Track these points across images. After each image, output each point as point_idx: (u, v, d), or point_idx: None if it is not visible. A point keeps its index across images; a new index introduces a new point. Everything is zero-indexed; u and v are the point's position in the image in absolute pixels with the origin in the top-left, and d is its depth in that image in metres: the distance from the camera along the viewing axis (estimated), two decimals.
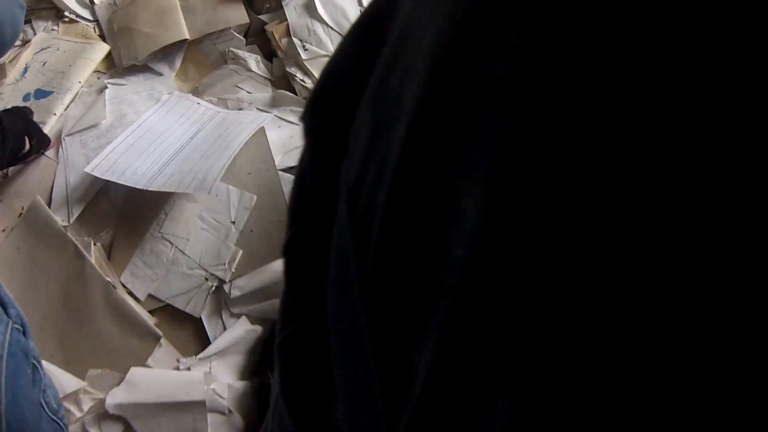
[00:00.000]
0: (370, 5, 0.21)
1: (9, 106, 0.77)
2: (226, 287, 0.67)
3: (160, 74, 0.87)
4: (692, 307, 0.11)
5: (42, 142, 0.76)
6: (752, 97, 0.10)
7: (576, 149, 0.12)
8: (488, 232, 0.13)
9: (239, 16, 0.86)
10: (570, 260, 0.12)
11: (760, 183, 0.10)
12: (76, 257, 0.69)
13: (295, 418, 0.26)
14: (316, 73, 0.79)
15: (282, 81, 0.84)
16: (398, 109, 0.16)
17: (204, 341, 0.67)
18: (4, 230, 0.74)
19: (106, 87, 0.84)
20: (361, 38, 0.21)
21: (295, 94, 0.81)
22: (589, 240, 0.12)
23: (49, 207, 0.74)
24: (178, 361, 0.65)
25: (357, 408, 0.20)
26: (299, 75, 0.81)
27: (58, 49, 0.89)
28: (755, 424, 0.11)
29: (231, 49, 0.86)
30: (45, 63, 0.88)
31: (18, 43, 0.87)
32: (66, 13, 0.93)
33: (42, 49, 0.90)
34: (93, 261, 0.69)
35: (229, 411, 0.61)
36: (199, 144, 0.74)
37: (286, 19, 0.82)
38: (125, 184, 0.70)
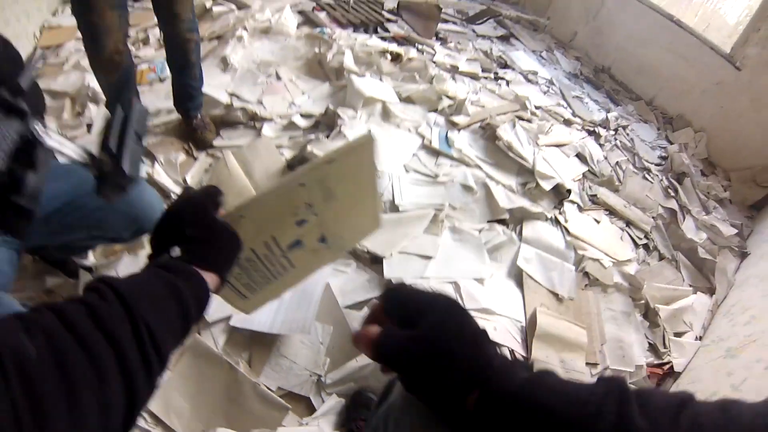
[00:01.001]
0: None
1: None
2: (323, 378, 1.24)
3: None
4: None
5: None
6: None
7: None
8: None
9: None
10: None
11: None
12: (231, 370, 1.23)
13: None
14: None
15: None
16: None
17: (312, 409, 1.21)
18: (178, 354, 1.25)
19: None
20: None
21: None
22: None
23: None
24: (299, 421, 1.18)
25: None
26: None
27: None
28: None
29: None
30: None
31: None
32: None
33: None
34: (242, 370, 1.22)
35: None
36: (294, 298, 1.35)
37: None
38: (258, 330, 1.27)
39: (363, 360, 1.26)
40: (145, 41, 2.55)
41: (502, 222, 1.79)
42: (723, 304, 1.94)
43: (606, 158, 2.51)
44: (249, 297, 0.72)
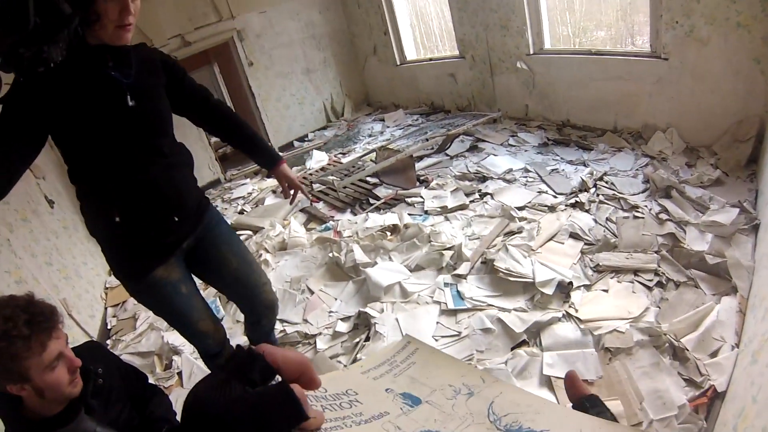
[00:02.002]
0: None
1: None
2: None
3: None
4: None
5: None
6: None
7: None
8: None
9: None
10: None
11: None
12: None
13: None
14: None
15: None
16: None
17: None
18: None
19: None
20: None
21: None
22: None
23: None
24: None
25: None
26: None
27: None
28: None
29: None
30: None
31: None
32: None
33: None
34: None
35: None
36: None
37: None
38: None
39: None
40: None
41: (523, 343, 2.19)
42: (750, 296, 2.12)
43: (596, 220, 2.88)
44: None
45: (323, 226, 3.81)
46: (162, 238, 1.53)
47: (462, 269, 2.71)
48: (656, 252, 2.50)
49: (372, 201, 3.99)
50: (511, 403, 0.53)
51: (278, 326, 2.72)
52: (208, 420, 0.37)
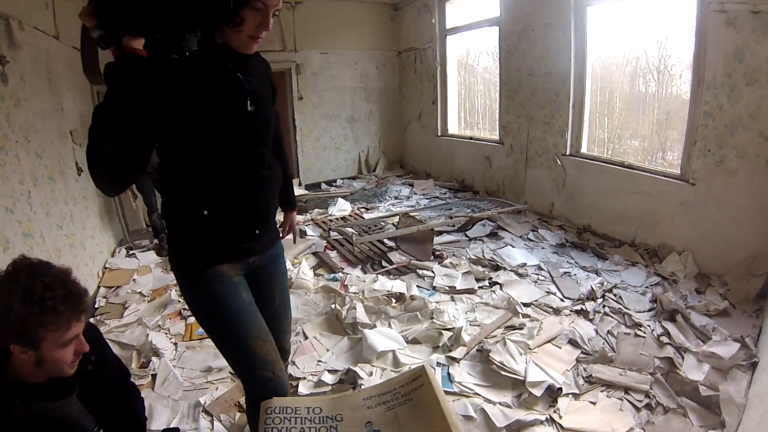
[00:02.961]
0: None
1: None
2: None
3: None
4: None
5: None
6: None
7: None
8: None
9: None
10: None
11: None
12: None
13: None
14: None
15: None
16: None
17: None
18: None
19: None
20: None
21: None
22: None
23: None
24: None
25: None
26: None
27: None
28: None
29: None
30: None
31: None
32: None
33: None
34: None
35: None
36: None
37: None
38: None
39: None
40: None
41: None
42: None
43: (597, 331, 2.91)
44: None
45: (332, 275, 3.91)
46: (240, 243, 1.52)
47: (457, 353, 2.76)
48: (651, 373, 2.51)
49: (384, 264, 4.11)
50: None
51: None
52: None
